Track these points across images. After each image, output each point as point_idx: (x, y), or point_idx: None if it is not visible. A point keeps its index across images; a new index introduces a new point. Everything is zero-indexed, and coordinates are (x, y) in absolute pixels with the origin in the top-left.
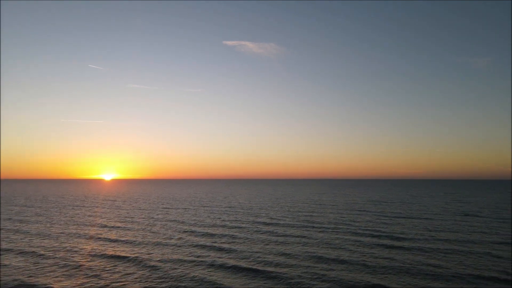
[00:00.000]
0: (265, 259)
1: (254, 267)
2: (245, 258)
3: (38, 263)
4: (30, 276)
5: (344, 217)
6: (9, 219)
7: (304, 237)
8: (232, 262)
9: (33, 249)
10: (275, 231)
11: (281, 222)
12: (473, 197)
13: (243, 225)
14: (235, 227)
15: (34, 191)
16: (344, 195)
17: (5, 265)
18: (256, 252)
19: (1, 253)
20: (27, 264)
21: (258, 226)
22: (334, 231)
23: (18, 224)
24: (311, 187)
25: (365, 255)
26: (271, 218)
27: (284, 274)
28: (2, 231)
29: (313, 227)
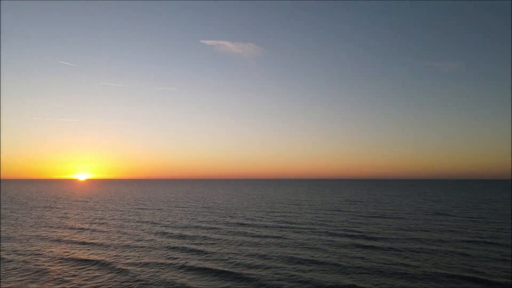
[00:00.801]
0: (238, 260)
1: (226, 268)
2: (217, 259)
3: None
4: None
5: (319, 217)
6: None
7: (279, 237)
8: (203, 263)
9: None
10: (250, 231)
11: (257, 222)
12: (445, 197)
13: (218, 226)
14: (209, 228)
15: (2, 192)
16: (322, 195)
17: None
18: (229, 253)
19: None
20: None
21: (233, 227)
22: (309, 231)
23: None
24: (290, 187)
25: (339, 255)
26: (247, 219)
27: (256, 275)
28: None
29: (288, 227)
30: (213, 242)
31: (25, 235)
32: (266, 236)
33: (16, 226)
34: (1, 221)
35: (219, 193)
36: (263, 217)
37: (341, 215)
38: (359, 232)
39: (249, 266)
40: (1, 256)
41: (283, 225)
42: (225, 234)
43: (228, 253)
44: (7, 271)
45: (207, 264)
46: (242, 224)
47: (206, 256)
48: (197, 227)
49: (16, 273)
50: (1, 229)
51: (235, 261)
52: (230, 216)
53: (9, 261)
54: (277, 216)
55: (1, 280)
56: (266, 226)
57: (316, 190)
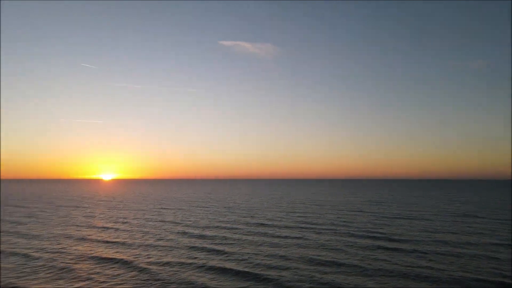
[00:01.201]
0: (258, 261)
1: (246, 269)
2: (237, 259)
3: (25, 264)
4: (17, 278)
5: (341, 218)
6: (1, 220)
7: (300, 238)
8: (224, 263)
9: (23, 251)
10: (271, 232)
11: (277, 223)
12: (472, 198)
13: (238, 226)
14: (229, 228)
15: (30, 191)
16: (343, 195)
17: None
18: (249, 253)
19: None
20: (15, 265)
21: (253, 227)
22: (330, 232)
23: (9, 225)
24: (310, 188)
25: (361, 257)
26: (267, 219)
27: (276, 276)
28: None
29: (310, 228)
30: (233, 242)
31: (52, 233)
32: (286, 237)
33: (44, 225)
34: (30, 219)
35: (240, 193)
36: (284, 218)
37: (363, 216)
38: (383, 233)
39: (269, 267)
40: (30, 253)
41: (304, 225)
42: (245, 234)
43: (248, 253)
44: (37, 267)
45: (227, 264)
46: (262, 225)
47: (226, 256)
48: (217, 227)
49: (44, 270)
50: (31, 227)
51: (255, 262)
52: (251, 216)
53: (37, 258)
54: (298, 216)
55: (31, 277)
56: (286, 227)
57: (338, 190)
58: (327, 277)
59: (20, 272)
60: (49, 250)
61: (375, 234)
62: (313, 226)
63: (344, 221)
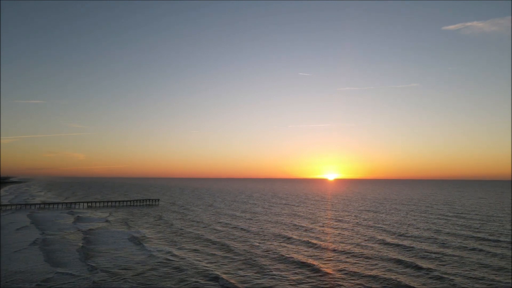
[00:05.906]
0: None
1: None
2: (433, 277)
3: (228, 252)
4: (211, 263)
5: None
6: (229, 214)
7: None
8: (412, 282)
9: (227, 242)
10: (495, 251)
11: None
12: None
13: (447, 239)
14: (438, 240)
15: (260, 188)
16: None
17: (196, 250)
18: (449, 273)
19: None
20: (217, 253)
21: (480, 243)
22: None
23: (229, 218)
24: None
25: None
26: (500, 234)
27: None
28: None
29: None
30: (435, 257)
31: (257, 227)
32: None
33: (253, 220)
34: (246, 214)
35: (467, 196)
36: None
37: None
38: None
39: None
40: (233, 244)
41: None
42: (456, 249)
43: (449, 274)
44: (233, 257)
45: (418, 285)
46: (480, 239)
47: (424, 273)
48: (423, 237)
49: (237, 260)
50: (245, 222)
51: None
52: (472, 228)
53: (235, 248)
54: None
55: (224, 264)
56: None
57: None
58: None
59: (219, 259)
60: (249, 243)
61: None
62: None
63: None
